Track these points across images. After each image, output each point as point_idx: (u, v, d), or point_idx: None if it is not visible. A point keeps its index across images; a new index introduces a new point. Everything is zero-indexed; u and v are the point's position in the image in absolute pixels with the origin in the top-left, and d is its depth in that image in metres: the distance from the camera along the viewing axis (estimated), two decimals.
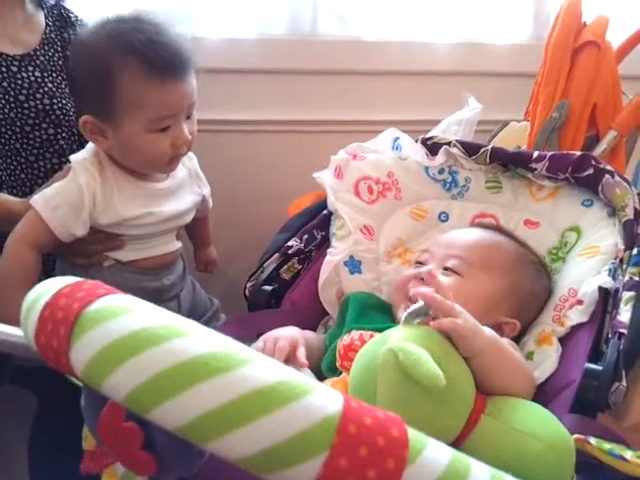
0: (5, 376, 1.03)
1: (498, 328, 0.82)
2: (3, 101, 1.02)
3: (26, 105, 1.04)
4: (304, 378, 0.33)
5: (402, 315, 0.84)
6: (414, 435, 0.34)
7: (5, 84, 1.03)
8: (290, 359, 0.80)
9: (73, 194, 0.90)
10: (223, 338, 0.34)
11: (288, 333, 0.84)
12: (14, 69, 1.04)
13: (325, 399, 0.32)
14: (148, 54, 0.85)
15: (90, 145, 0.95)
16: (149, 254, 0.99)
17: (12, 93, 1.03)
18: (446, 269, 0.89)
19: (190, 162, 1.04)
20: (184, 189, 1.02)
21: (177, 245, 1.04)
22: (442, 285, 0.72)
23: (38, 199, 0.91)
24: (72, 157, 0.93)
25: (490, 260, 0.90)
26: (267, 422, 0.31)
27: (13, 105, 1.03)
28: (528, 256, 0.95)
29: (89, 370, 0.34)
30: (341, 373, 0.79)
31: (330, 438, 0.31)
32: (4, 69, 1.03)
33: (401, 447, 0.32)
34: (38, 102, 1.05)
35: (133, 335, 0.33)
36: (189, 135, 0.91)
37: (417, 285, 0.88)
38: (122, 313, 0.34)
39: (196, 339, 0.33)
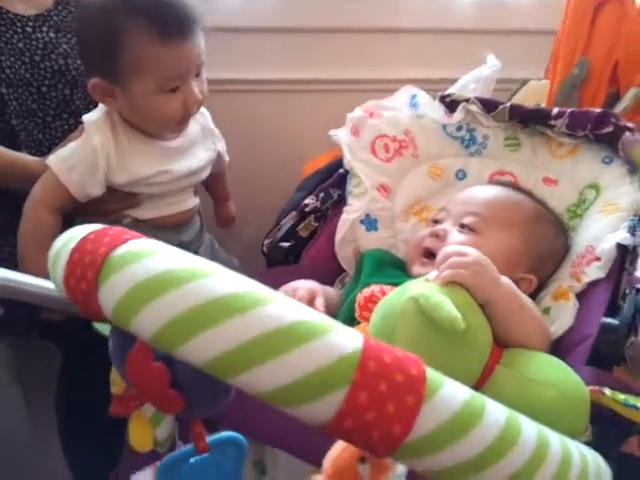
0: (34, 330, 1.06)
1: (515, 284, 0.82)
2: (19, 62, 1.02)
3: (42, 65, 1.04)
4: (325, 318, 0.34)
5: (416, 271, 0.86)
6: (432, 373, 0.35)
7: (20, 45, 1.03)
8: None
9: (87, 155, 0.91)
10: (245, 279, 0.35)
11: (307, 284, 0.86)
12: (29, 29, 1.04)
13: (346, 337, 0.33)
14: (155, 15, 0.84)
15: (102, 105, 0.95)
16: (167, 212, 1.00)
17: (27, 54, 1.03)
18: (462, 226, 0.89)
19: (202, 118, 1.04)
20: (197, 146, 1.02)
21: (194, 202, 1.05)
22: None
23: (54, 160, 0.92)
24: (85, 117, 0.94)
25: (507, 217, 0.90)
26: (289, 358, 0.32)
27: (29, 66, 1.03)
28: (546, 213, 0.95)
29: (118, 310, 0.35)
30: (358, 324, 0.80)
31: (351, 374, 0.32)
32: (19, 29, 1.03)
33: (419, 384, 0.33)
34: (53, 62, 1.04)
35: (159, 276, 0.34)
36: (199, 94, 0.91)
37: (432, 242, 0.88)
38: (148, 255, 0.36)
39: (219, 279, 0.34)
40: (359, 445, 0.34)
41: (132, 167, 0.93)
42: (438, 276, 0.71)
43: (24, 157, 1.00)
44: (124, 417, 0.64)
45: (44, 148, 1.07)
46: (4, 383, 1.26)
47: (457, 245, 0.80)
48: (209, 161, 1.05)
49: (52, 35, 1.06)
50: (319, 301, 0.82)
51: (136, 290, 0.34)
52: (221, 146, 1.10)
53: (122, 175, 0.93)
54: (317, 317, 0.34)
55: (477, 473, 0.35)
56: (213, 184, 1.16)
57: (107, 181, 0.93)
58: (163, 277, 0.34)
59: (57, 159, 0.92)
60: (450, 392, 0.34)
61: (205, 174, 1.05)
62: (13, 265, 0.88)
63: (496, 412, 0.36)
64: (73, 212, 1.00)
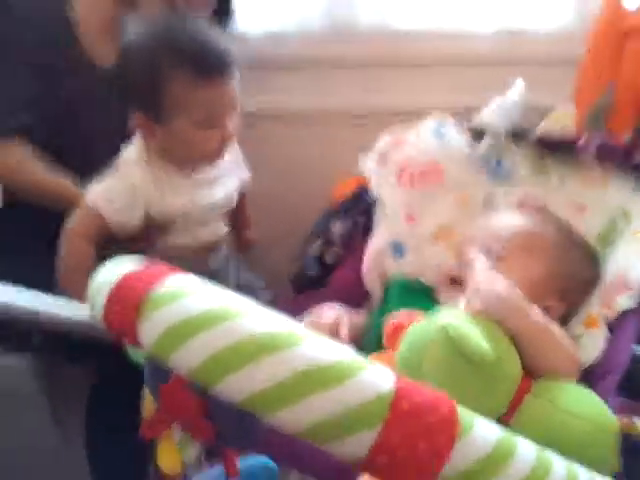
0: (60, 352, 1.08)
1: (543, 311, 0.82)
2: (103, 114, 1.07)
3: None
4: (358, 357, 0.35)
5: (443, 298, 0.86)
6: (463, 413, 0.35)
7: (104, 95, 1.05)
8: (333, 335, 0.83)
9: (127, 193, 0.93)
10: (280, 317, 0.36)
11: (332, 311, 0.87)
12: None
13: (379, 377, 0.34)
14: (198, 57, 0.87)
15: (137, 141, 0.97)
16: (198, 240, 1.02)
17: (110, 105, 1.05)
18: (489, 254, 0.89)
19: (232, 150, 1.05)
20: (227, 175, 1.04)
21: (224, 229, 1.07)
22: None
23: (94, 194, 0.94)
24: (122, 154, 0.96)
25: (536, 244, 0.90)
26: (325, 397, 0.33)
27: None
28: (573, 240, 0.94)
29: (156, 347, 0.37)
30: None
31: (384, 413, 0.33)
32: (105, 81, 1.04)
33: (451, 424, 0.34)
34: None
35: (198, 315, 0.35)
36: (233, 132, 0.94)
37: (459, 270, 0.90)
38: (187, 294, 0.37)
39: (255, 318, 0.35)
40: None
41: (167, 201, 0.95)
42: (468, 306, 0.71)
43: (65, 184, 1.04)
44: (151, 441, 0.66)
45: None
46: (32, 394, 1.28)
47: (487, 274, 0.80)
48: (237, 189, 1.07)
49: None
50: (343, 332, 0.83)
51: (176, 328, 0.35)
52: (246, 174, 1.12)
53: (157, 208, 0.95)
54: (350, 356, 0.34)
55: None
56: (235, 210, 1.18)
57: (145, 215, 0.95)
58: (201, 316, 0.35)
59: (97, 193, 0.94)
60: (482, 431, 0.35)
61: (233, 203, 1.07)
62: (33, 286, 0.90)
63: (526, 451, 0.36)
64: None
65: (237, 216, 1.21)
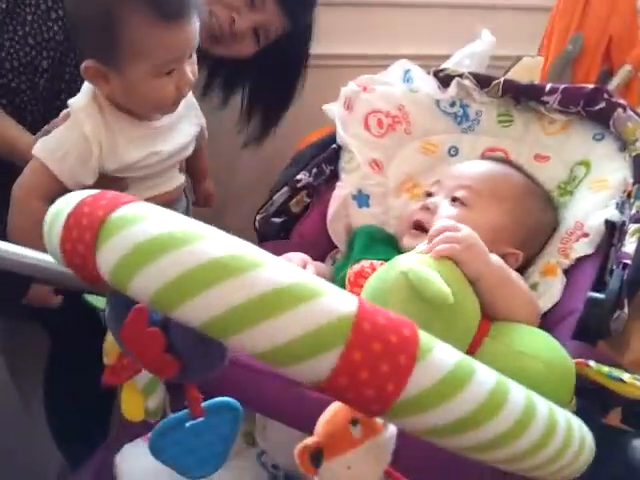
0: (22, 307, 1.06)
1: (502, 258, 0.84)
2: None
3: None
4: (321, 280, 0.35)
5: (406, 243, 0.87)
6: (424, 336, 0.35)
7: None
8: None
9: (79, 144, 0.88)
10: (242, 242, 0.35)
11: (299, 255, 0.87)
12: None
13: (341, 299, 0.34)
14: None
15: (87, 88, 0.92)
16: (155, 192, 0.98)
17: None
18: (454, 200, 0.90)
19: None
20: (183, 122, 1.00)
21: (181, 179, 1.04)
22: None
23: (42, 150, 0.89)
24: (71, 102, 0.91)
25: (498, 191, 0.91)
26: (285, 318, 0.33)
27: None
28: (535, 189, 0.96)
29: (116, 272, 0.36)
30: None
31: (346, 334, 0.33)
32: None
33: (412, 345, 0.34)
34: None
35: (157, 238, 0.34)
36: (192, 76, 0.90)
37: (423, 215, 0.90)
38: (146, 218, 0.36)
39: (217, 242, 0.34)
40: (353, 404, 0.35)
41: (123, 152, 0.91)
42: (430, 249, 0.71)
43: (13, 134, 0.98)
44: (114, 392, 0.65)
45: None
46: None
47: (449, 220, 0.81)
48: (194, 135, 1.03)
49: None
50: (310, 268, 0.83)
51: (134, 252, 0.34)
52: (203, 121, 1.08)
53: (113, 161, 0.91)
54: (313, 280, 0.34)
55: (466, 433, 0.36)
56: (192, 161, 1.14)
57: (99, 168, 0.90)
58: (161, 239, 0.34)
59: (46, 149, 0.88)
60: (442, 353, 0.35)
61: (191, 149, 1.03)
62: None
63: (486, 374, 0.37)
64: None
65: (195, 167, 1.18)
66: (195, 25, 0.88)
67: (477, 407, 0.35)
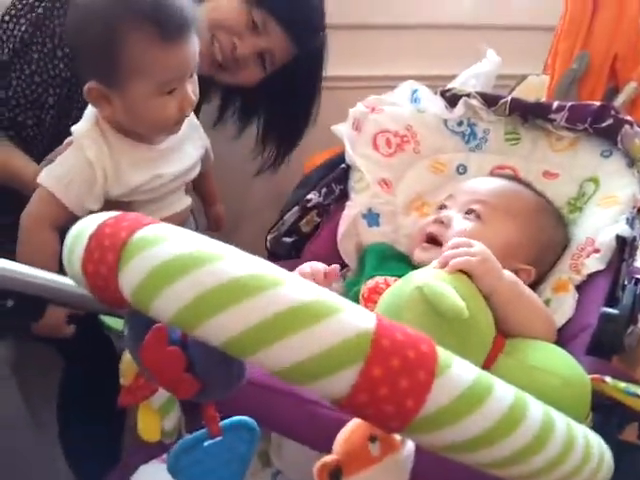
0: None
1: (514, 274, 0.84)
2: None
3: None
4: (338, 297, 0.35)
5: (417, 256, 0.86)
6: (442, 352, 0.36)
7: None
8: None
9: (84, 170, 0.88)
10: (261, 260, 0.36)
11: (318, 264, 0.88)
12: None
13: (359, 316, 0.35)
14: (155, 17, 0.83)
15: (89, 115, 0.93)
16: (162, 215, 0.98)
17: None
18: (468, 212, 0.91)
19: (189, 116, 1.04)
20: (186, 143, 1.01)
21: (187, 201, 1.04)
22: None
23: (48, 178, 0.89)
24: (74, 129, 0.92)
25: (512, 208, 0.91)
26: (305, 335, 0.33)
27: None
28: (546, 205, 0.96)
29: (138, 293, 0.36)
30: None
31: (365, 350, 0.33)
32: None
33: (431, 361, 0.34)
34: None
35: (179, 258, 0.35)
36: (193, 96, 0.91)
37: (436, 228, 0.90)
38: (167, 239, 0.37)
39: (238, 261, 0.35)
40: (373, 420, 0.35)
41: (127, 177, 0.91)
42: (445, 263, 0.72)
43: (19, 164, 0.99)
44: (125, 413, 0.65)
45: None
46: (4, 376, 1.27)
47: (462, 234, 0.82)
48: (199, 158, 1.03)
49: None
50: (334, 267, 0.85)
51: (156, 273, 0.35)
52: (207, 143, 1.08)
53: (118, 186, 0.91)
54: (331, 297, 0.35)
55: (484, 449, 0.36)
56: (200, 185, 1.15)
57: (104, 194, 0.91)
58: (182, 260, 0.35)
59: (51, 176, 0.89)
60: (460, 369, 0.36)
61: (196, 172, 1.03)
62: None
63: (504, 390, 0.37)
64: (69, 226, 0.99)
65: (204, 190, 1.18)
66: (195, 44, 0.89)
67: (496, 423, 0.35)
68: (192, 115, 1.02)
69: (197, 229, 1.11)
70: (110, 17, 0.83)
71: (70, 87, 1.04)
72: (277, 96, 1.19)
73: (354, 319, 0.34)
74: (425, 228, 0.92)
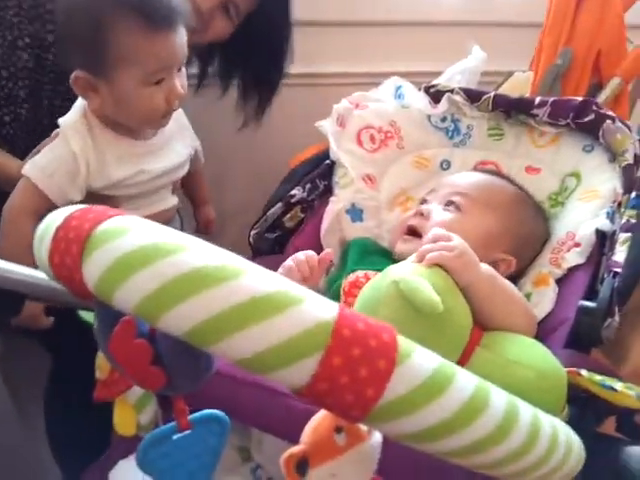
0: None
1: (494, 265, 0.84)
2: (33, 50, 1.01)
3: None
4: (301, 288, 0.35)
5: (398, 248, 0.87)
6: (403, 341, 0.36)
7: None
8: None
9: (67, 160, 0.89)
10: (224, 251, 0.36)
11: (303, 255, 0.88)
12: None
13: (321, 306, 0.35)
14: (143, 5, 0.83)
15: (77, 107, 0.93)
16: (146, 212, 0.97)
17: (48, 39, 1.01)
18: (448, 204, 0.91)
19: (178, 116, 1.02)
20: (174, 142, 1.01)
21: (173, 201, 1.04)
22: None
23: (31, 169, 0.89)
24: (61, 121, 0.92)
25: (492, 200, 0.92)
26: (266, 325, 0.33)
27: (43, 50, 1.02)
28: (528, 199, 0.97)
29: (101, 283, 0.36)
30: None
31: (325, 339, 0.33)
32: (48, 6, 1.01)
33: (391, 350, 0.34)
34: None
35: (141, 249, 0.35)
36: (181, 89, 0.91)
37: (416, 220, 0.91)
38: (131, 230, 0.37)
39: (200, 252, 0.35)
40: (333, 410, 0.35)
41: (110, 170, 0.91)
42: (422, 257, 0.72)
43: (3, 160, 0.99)
44: (111, 410, 0.66)
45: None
46: None
47: (442, 225, 0.83)
48: (187, 157, 1.03)
49: None
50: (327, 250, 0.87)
51: (118, 263, 0.35)
52: (197, 144, 1.08)
53: (101, 179, 0.91)
54: (293, 287, 0.35)
55: (445, 437, 0.36)
56: (190, 186, 1.15)
57: (86, 186, 0.91)
58: (145, 250, 0.35)
59: (34, 167, 0.89)
60: (421, 358, 0.36)
61: (184, 171, 1.03)
62: None
63: (465, 379, 0.37)
64: None
65: (194, 193, 1.18)
66: (182, 36, 0.89)
67: (456, 412, 0.35)
68: (182, 115, 1.03)
69: (183, 227, 1.11)
70: (97, 5, 0.84)
71: (37, 77, 1.04)
72: (251, 45, 1.17)
73: (315, 309, 0.34)
74: (406, 221, 0.93)
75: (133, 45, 0.84)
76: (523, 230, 0.91)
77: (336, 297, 0.84)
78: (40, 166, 0.89)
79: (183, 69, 0.92)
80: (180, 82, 0.90)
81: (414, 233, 0.91)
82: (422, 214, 0.92)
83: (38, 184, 0.89)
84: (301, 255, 0.87)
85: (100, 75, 0.87)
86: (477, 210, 0.90)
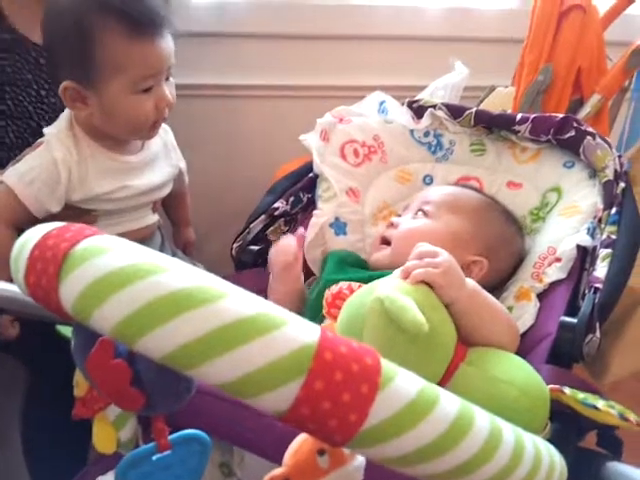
0: None
1: (466, 268, 0.86)
2: (24, 94, 1.00)
3: (46, 101, 1.02)
4: (283, 311, 0.35)
5: (373, 257, 0.93)
6: (386, 364, 0.36)
7: (30, 76, 1.00)
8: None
9: (48, 169, 0.88)
10: (204, 273, 0.35)
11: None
12: (42, 61, 1.01)
13: (303, 329, 0.34)
14: (127, 12, 0.83)
15: (64, 118, 0.92)
16: (125, 228, 0.97)
17: (34, 87, 1.00)
18: (416, 213, 0.95)
19: (165, 134, 1.03)
20: (159, 161, 1.00)
21: (153, 219, 1.03)
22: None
23: (11, 175, 0.88)
24: (46, 130, 0.91)
25: (458, 203, 0.95)
26: (247, 349, 0.33)
27: (33, 99, 1.01)
28: (497, 206, 0.98)
29: (78, 304, 0.35)
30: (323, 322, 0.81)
31: (307, 363, 0.33)
32: (32, 60, 1.00)
33: (374, 373, 0.34)
34: (58, 99, 0.98)
35: (119, 270, 0.34)
36: (170, 97, 0.91)
37: (388, 231, 0.96)
38: (109, 250, 0.36)
39: (179, 273, 0.35)
40: (316, 434, 0.35)
41: (92, 182, 0.90)
42: (407, 274, 0.71)
43: None
44: (90, 427, 0.64)
45: None
46: None
47: (411, 231, 0.90)
48: (170, 177, 1.03)
49: None
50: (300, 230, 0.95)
51: (96, 284, 0.34)
52: (183, 165, 1.08)
53: (80, 191, 0.90)
54: (275, 310, 0.34)
55: (430, 461, 0.36)
56: (173, 207, 1.15)
57: (66, 197, 0.90)
58: (123, 271, 0.34)
59: (15, 174, 0.88)
60: (404, 382, 0.35)
61: (166, 190, 1.03)
62: None
63: (449, 402, 0.37)
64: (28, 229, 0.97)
65: (177, 214, 1.17)
66: (170, 44, 0.89)
67: (440, 435, 0.35)
68: (170, 134, 1.03)
69: (164, 242, 1.10)
70: (82, 14, 0.84)
71: (8, 86, 1.02)
72: None
73: (297, 332, 0.34)
74: (381, 233, 0.97)
75: (120, 52, 0.84)
76: (491, 230, 0.93)
77: (318, 308, 0.83)
78: (20, 172, 0.88)
79: (172, 79, 0.92)
80: (170, 90, 0.91)
81: (387, 242, 0.94)
82: (392, 224, 0.96)
83: (15, 190, 0.88)
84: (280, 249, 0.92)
85: (88, 84, 0.86)
86: (443, 214, 0.93)
